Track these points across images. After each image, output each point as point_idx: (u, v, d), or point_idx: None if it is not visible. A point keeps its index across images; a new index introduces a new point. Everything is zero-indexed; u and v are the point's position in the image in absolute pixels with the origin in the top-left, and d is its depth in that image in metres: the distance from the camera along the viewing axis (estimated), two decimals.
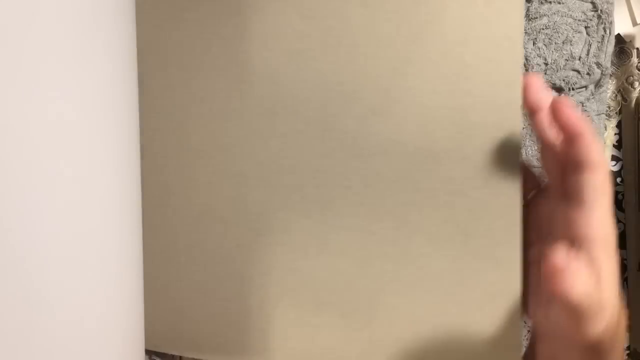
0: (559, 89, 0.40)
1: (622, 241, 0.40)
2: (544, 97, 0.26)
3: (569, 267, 0.23)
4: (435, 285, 0.26)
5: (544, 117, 0.26)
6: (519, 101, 0.25)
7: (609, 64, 0.39)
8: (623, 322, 0.25)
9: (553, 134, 0.26)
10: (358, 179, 0.26)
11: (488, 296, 0.26)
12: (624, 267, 0.41)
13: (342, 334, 0.27)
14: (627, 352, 0.41)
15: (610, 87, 0.41)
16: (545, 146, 0.26)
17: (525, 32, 0.39)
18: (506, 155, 0.25)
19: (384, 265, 0.27)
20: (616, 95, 0.41)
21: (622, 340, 0.26)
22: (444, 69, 0.25)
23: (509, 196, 0.25)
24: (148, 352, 0.38)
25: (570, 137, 0.24)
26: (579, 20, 0.39)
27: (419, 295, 0.26)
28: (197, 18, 0.28)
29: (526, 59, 0.39)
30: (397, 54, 0.26)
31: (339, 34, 0.26)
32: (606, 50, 0.39)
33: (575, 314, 0.23)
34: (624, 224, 0.41)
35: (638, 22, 0.40)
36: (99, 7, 0.31)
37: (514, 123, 0.25)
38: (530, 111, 0.26)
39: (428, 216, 0.26)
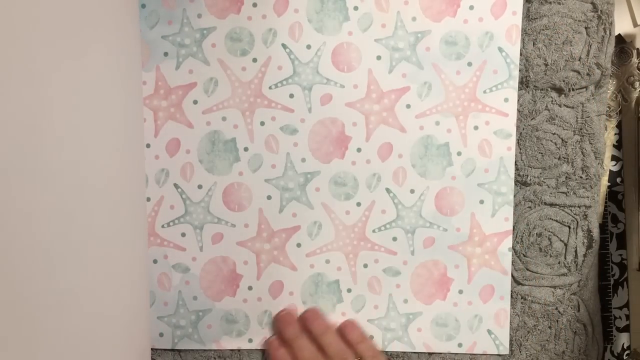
0: (559, 90, 0.40)
1: (622, 241, 0.40)
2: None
3: None
4: None
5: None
6: None
7: (609, 65, 0.39)
8: None
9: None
10: None
11: None
12: (624, 267, 0.41)
13: None
14: (627, 352, 0.41)
15: (610, 87, 0.41)
16: None
17: (525, 33, 0.39)
18: None
19: None
20: (616, 95, 0.41)
21: None
22: None
23: None
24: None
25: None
26: (579, 20, 0.39)
27: None
28: None
29: (526, 60, 0.39)
30: None
31: None
32: (606, 51, 0.39)
33: None
34: (624, 224, 0.41)
35: (639, 22, 0.40)
36: (103, 5, 0.31)
37: None
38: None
39: None
